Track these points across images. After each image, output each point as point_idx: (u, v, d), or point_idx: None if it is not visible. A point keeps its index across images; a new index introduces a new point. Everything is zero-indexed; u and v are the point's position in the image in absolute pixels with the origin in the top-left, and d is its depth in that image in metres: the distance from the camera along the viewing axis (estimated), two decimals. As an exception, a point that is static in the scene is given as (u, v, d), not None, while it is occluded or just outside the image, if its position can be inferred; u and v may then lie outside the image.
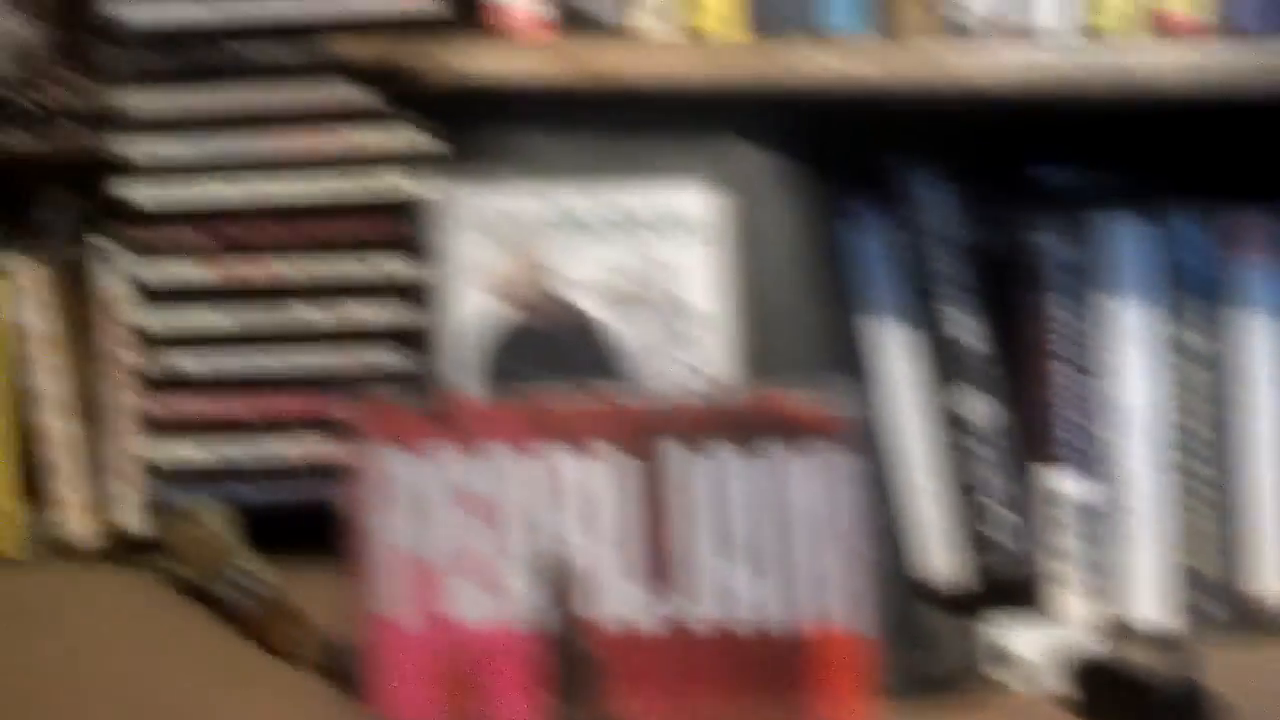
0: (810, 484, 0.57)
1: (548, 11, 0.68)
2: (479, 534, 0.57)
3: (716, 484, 0.56)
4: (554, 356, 0.61)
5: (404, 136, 0.85)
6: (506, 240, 0.61)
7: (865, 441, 0.60)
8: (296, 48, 0.86)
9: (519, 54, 0.66)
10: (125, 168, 0.87)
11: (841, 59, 0.64)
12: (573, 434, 0.56)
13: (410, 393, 0.59)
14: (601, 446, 0.57)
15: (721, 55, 0.65)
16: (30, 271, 0.90)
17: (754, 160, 0.64)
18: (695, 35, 0.67)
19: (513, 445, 0.57)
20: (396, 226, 0.85)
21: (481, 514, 0.57)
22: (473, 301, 0.62)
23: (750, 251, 0.63)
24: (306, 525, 0.81)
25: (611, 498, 0.57)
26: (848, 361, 0.65)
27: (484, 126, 0.65)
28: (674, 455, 0.57)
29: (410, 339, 0.85)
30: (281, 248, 0.87)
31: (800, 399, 0.57)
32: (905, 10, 0.68)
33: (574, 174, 0.62)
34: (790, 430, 0.56)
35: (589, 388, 0.58)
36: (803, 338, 0.64)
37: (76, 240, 0.93)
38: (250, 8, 0.87)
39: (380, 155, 0.86)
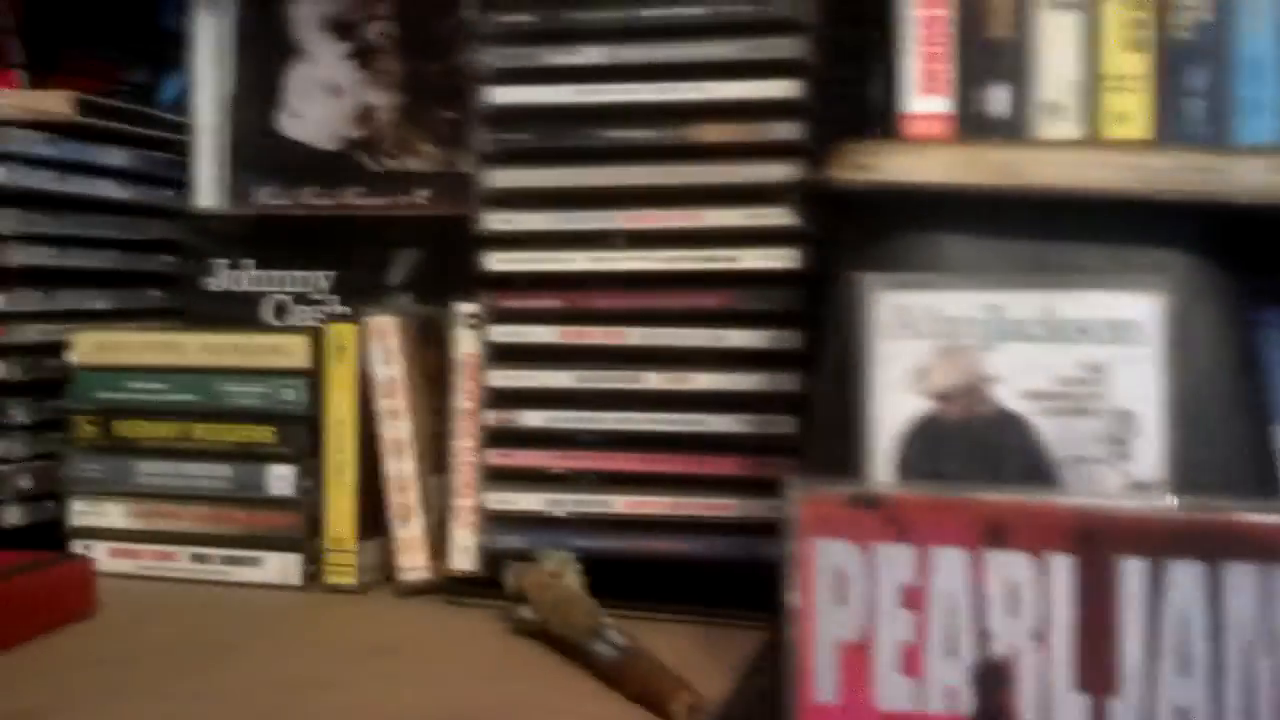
0: (1264, 598, 0.56)
1: (953, 122, 0.71)
2: (916, 628, 0.58)
3: (1175, 598, 0.56)
4: (984, 460, 0.63)
5: (761, 214, 0.88)
6: (940, 340, 0.63)
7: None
8: (660, 130, 0.90)
9: (928, 158, 0.69)
10: (485, 238, 0.92)
11: (1265, 173, 0.64)
12: (1012, 535, 0.57)
13: (848, 485, 0.61)
14: (1046, 551, 0.57)
15: (1139, 166, 0.66)
16: (389, 325, 0.97)
17: (1183, 265, 0.65)
18: (1108, 143, 0.69)
19: (949, 542, 0.57)
20: (744, 300, 0.89)
21: (919, 608, 0.57)
22: (897, 398, 0.64)
23: (1183, 360, 0.63)
24: (635, 576, 0.87)
25: (1058, 603, 0.57)
26: (1270, 474, 0.65)
27: (905, 230, 0.68)
28: (1127, 566, 0.57)
29: (747, 405, 0.88)
30: (630, 317, 0.91)
31: (1256, 513, 0.56)
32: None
33: (1003, 278, 0.64)
34: (1244, 545, 0.56)
35: (1026, 491, 0.59)
36: (1229, 449, 0.64)
37: (433, 299, 0.99)
38: (617, 91, 0.91)
39: (734, 233, 0.89)
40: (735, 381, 0.90)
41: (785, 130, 0.89)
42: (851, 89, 0.83)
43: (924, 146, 0.70)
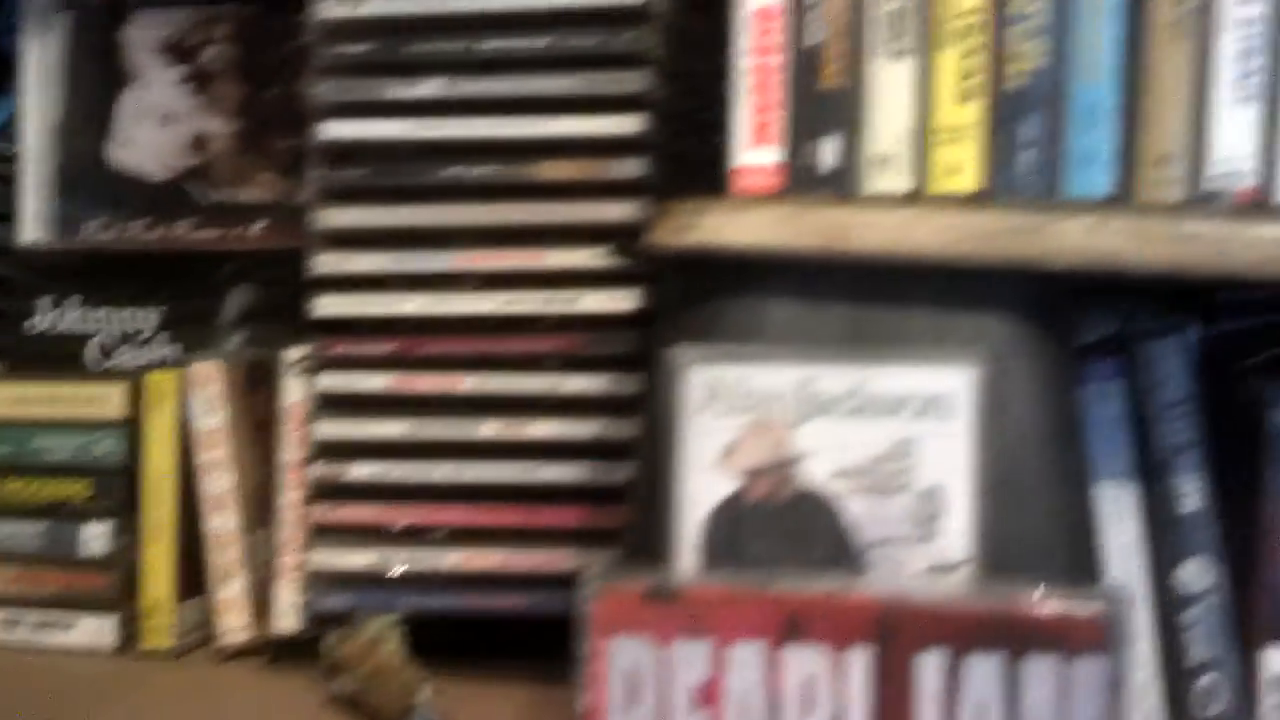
0: (1062, 692, 0.53)
1: (782, 174, 0.68)
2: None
3: (972, 691, 0.53)
4: (790, 543, 0.59)
5: (602, 255, 0.84)
6: (747, 415, 0.60)
7: (1115, 640, 0.57)
8: (500, 167, 0.86)
9: (753, 218, 0.66)
10: (315, 280, 0.87)
11: (1087, 236, 0.62)
12: (812, 627, 0.54)
13: (634, 570, 0.57)
14: (846, 643, 0.54)
15: (964, 228, 0.63)
16: (213, 372, 0.91)
17: (1002, 330, 0.63)
18: (936, 200, 0.66)
19: (748, 635, 0.54)
20: (584, 344, 0.85)
21: (714, 705, 0.54)
22: (705, 476, 0.60)
23: (996, 431, 0.61)
24: (464, 634, 0.82)
25: (854, 698, 0.54)
26: (1085, 543, 0.63)
27: (726, 295, 0.64)
28: (925, 659, 0.54)
29: (586, 453, 0.84)
30: (466, 363, 0.86)
31: (1057, 603, 0.54)
32: (1148, 177, 0.66)
33: (815, 351, 0.61)
34: (1046, 637, 0.53)
35: (827, 577, 0.56)
36: (1043, 519, 0.62)
37: (271, 338, 0.93)
38: (456, 125, 0.87)
39: (576, 274, 0.85)
40: (575, 429, 0.86)
41: (629, 168, 0.86)
42: (700, 127, 0.80)
43: (750, 204, 0.67)
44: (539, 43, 0.88)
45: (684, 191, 0.71)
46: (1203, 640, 0.66)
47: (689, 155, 0.81)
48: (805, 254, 0.63)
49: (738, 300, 0.64)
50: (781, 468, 0.60)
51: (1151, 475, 0.68)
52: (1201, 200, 0.65)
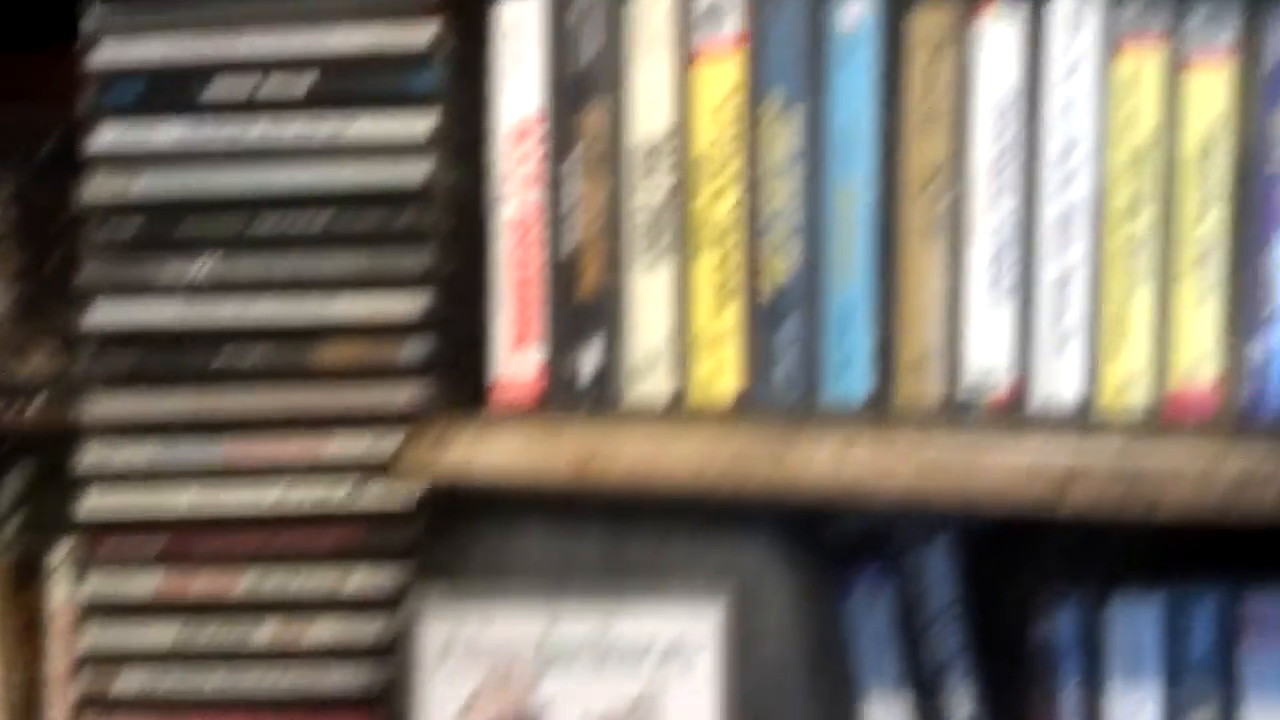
0: None
1: (542, 382, 0.66)
2: None
3: None
4: None
5: (377, 442, 0.81)
6: (488, 667, 0.57)
7: None
8: (277, 351, 0.83)
9: (505, 440, 0.63)
10: (81, 475, 0.82)
11: (833, 465, 0.61)
12: None
13: None
14: None
15: (713, 453, 0.62)
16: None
17: (753, 557, 0.61)
18: (695, 414, 0.64)
19: None
20: (368, 537, 0.81)
21: None
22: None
23: (747, 664, 0.59)
24: None
25: None
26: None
27: (475, 522, 0.62)
28: None
29: (370, 655, 0.80)
30: (241, 561, 0.82)
31: None
32: (906, 379, 0.65)
33: (565, 588, 0.58)
34: None
35: None
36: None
37: (35, 530, 0.88)
38: (230, 307, 0.84)
39: (350, 462, 0.82)
40: (359, 631, 0.81)
41: (410, 350, 0.83)
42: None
43: (504, 422, 0.64)
44: (319, 220, 0.85)
45: (456, 397, 0.69)
46: None
47: (460, 337, 0.79)
48: (554, 481, 0.61)
49: (489, 531, 0.61)
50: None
51: (922, 685, 0.66)
52: (958, 406, 0.64)
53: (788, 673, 0.60)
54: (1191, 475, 0.60)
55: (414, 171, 0.82)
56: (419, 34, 0.81)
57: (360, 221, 0.84)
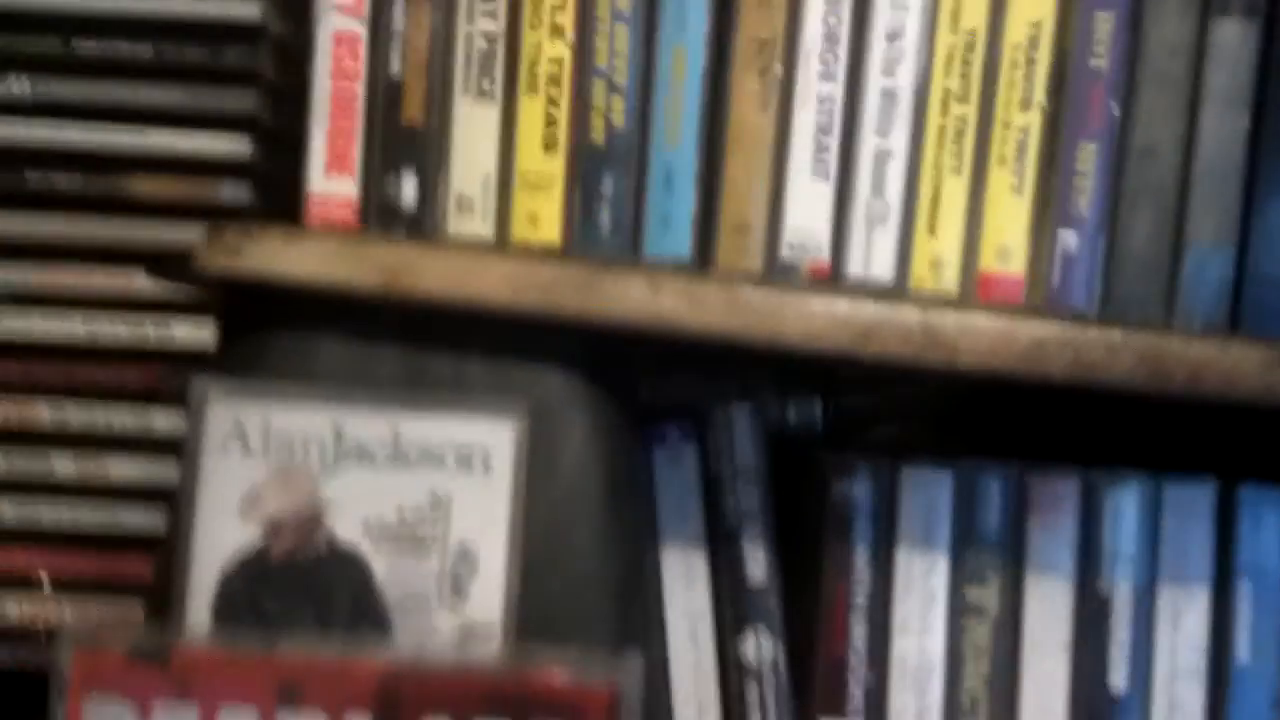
0: None
1: (359, 207, 0.65)
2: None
3: None
4: (311, 602, 0.56)
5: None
6: (276, 460, 0.56)
7: (626, 711, 0.57)
8: (90, 178, 0.80)
9: (310, 250, 0.62)
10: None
11: (654, 298, 0.61)
12: (309, 694, 0.51)
13: (133, 634, 0.53)
14: (346, 711, 0.51)
15: (528, 278, 0.62)
16: None
17: (555, 384, 0.61)
18: (513, 246, 0.64)
19: (239, 701, 0.51)
20: (167, 378, 0.79)
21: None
22: (228, 526, 0.56)
23: (539, 489, 0.59)
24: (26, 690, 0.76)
25: None
26: (634, 603, 0.62)
27: (275, 326, 0.61)
28: None
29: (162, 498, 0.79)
30: (40, 389, 0.79)
31: (567, 672, 0.53)
32: (727, 244, 0.66)
33: (350, 395, 0.58)
34: (553, 706, 0.52)
35: (338, 641, 0.53)
36: (586, 580, 0.61)
37: None
38: (43, 129, 0.80)
39: (161, 300, 0.80)
40: (161, 472, 0.80)
41: (230, 191, 0.80)
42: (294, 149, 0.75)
43: (310, 235, 0.63)
44: (141, 50, 0.81)
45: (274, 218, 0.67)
46: (762, 712, 0.67)
47: (281, 179, 0.77)
48: (362, 292, 0.60)
49: (288, 336, 0.60)
50: (308, 520, 0.56)
51: (719, 543, 0.68)
52: (776, 274, 0.65)
53: (584, 501, 0.61)
54: (990, 334, 0.62)
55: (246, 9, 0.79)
56: None
57: (185, 55, 0.81)
